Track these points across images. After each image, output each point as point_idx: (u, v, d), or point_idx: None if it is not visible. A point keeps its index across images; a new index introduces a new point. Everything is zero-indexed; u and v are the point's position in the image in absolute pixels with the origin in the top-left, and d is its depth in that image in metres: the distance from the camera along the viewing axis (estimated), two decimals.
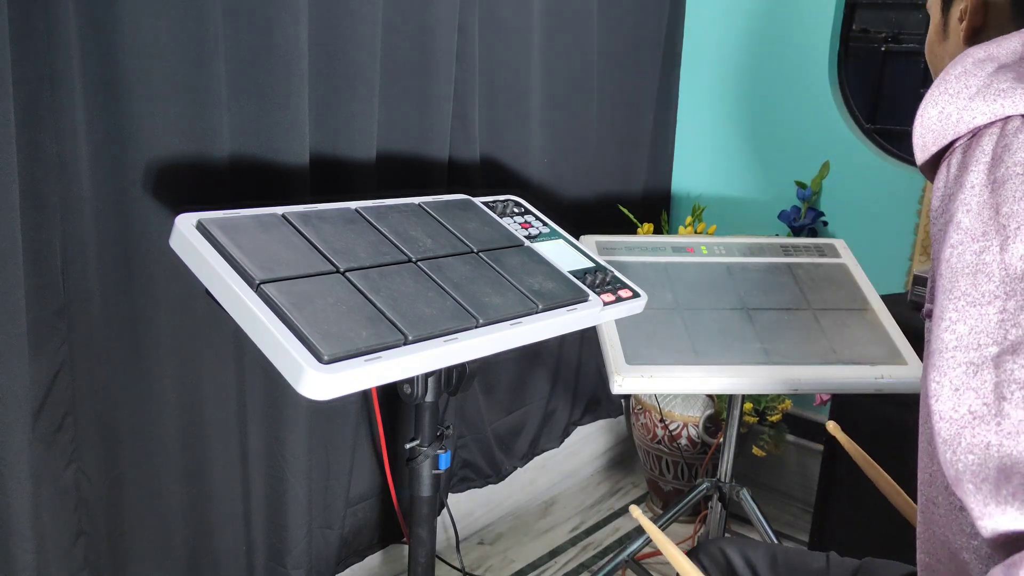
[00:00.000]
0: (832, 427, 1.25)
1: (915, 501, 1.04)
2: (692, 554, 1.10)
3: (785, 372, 1.41)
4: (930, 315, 0.66)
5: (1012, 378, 0.57)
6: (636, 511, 1.03)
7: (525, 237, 1.30)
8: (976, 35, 0.77)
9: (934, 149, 0.70)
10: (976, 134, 0.66)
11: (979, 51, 0.70)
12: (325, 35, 1.44)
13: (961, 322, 0.60)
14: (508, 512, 2.20)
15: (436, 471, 1.25)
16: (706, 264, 1.63)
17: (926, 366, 0.62)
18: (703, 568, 1.06)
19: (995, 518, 0.55)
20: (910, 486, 0.85)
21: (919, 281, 1.63)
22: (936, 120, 0.69)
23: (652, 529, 0.98)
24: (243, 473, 1.48)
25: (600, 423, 2.44)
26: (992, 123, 0.66)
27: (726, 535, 1.76)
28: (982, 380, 0.58)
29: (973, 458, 0.57)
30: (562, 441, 2.29)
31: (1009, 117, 0.65)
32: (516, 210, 1.40)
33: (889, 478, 1.14)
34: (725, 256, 1.66)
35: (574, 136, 2.08)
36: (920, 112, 0.70)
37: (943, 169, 0.67)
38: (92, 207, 1.20)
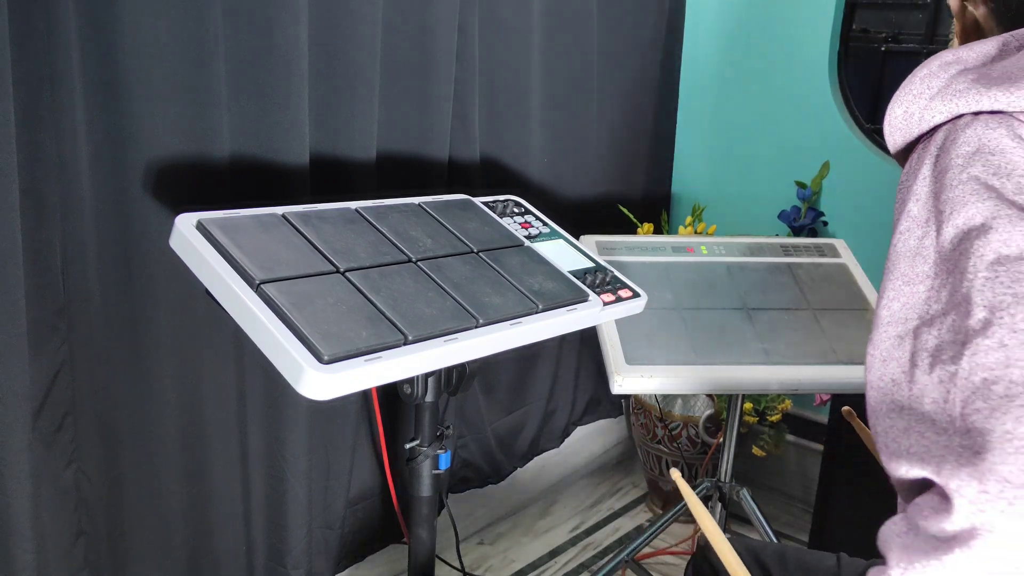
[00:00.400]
0: (847, 412, 1.26)
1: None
2: (700, 553, 1.10)
3: (785, 372, 1.41)
4: None
5: (924, 347, 0.63)
6: (676, 474, 1.06)
7: (525, 237, 1.30)
8: (968, 40, 0.83)
9: (902, 144, 0.76)
10: (935, 130, 0.72)
11: (948, 54, 0.75)
12: (325, 35, 1.44)
13: (896, 300, 0.66)
14: (508, 512, 2.20)
15: (436, 471, 1.25)
16: (706, 264, 1.63)
17: (868, 343, 0.68)
18: (711, 568, 1.06)
19: (893, 469, 0.62)
20: None
21: None
22: (901, 119, 0.75)
23: (691, 496, 1.00)
24: (243, 473, 1.48)
25: (600, 423, 2.44)
26: (949, 120, 0.71)
27: (726, 535, 1.76)
28: (903, 350, 0.64)
29: (889, 422, 0.63)
30: (562, 441, 2.29)
31: (962, 114, 0.70)
32: (516, 210, 1.40)
33: None
34: (725, 256, 1.66)
35: (574, 136, 2.08)
36: (888, 111, 0.75)
37: (907, 164, 0.74)
38: (92, 207, 1.20)
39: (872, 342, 0.67)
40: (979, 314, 0.60)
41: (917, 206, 0.69)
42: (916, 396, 0.62)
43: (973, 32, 0.83)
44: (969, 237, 0.63)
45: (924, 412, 0.61)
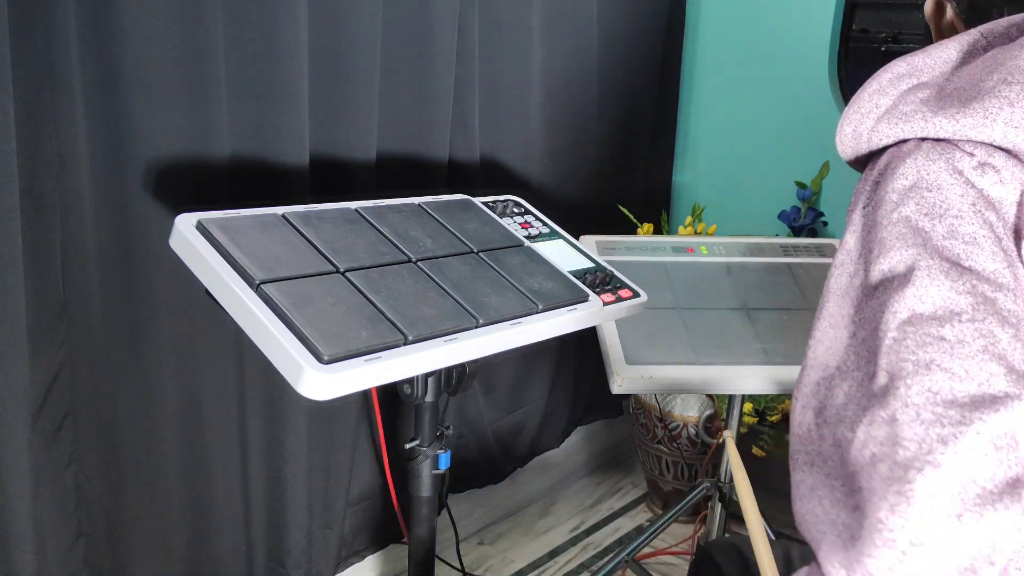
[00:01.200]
0: (727, 437, 1.25)
1: None
2: (706, 551, 1.10)
3: (785, 372, 1.41)
4: None
5: (834, 401, 0.58)
6: (728, 439, 1.04)
7: (525, 237, 1.30)
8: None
9: (852, 156, 0.72)
10: (884, 150, 0.68)
11: (900, 64, 0.70)
12: (325, 35, 1.44)
13: (821, 343, 0.62)
14: (508, 512, 2.20)
15: (436, 471, 1.25)
16: (706, 264, 1.63)
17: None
18: (717, 565, 1.06)
19: (798, 529, 0.59)
20: None
21: None
22: (850, 137, 0.71)
23: (738, 464, 0.99)
24: (243, 473, 1.48)
25: (600, 423, 2.44)
26: (895, 143, 0.67)
27: (726, 535, 1.75)
28: (818, 399, 0.60)
29: (800, 476, 0.59)
30: (562, 441, 2.29)
31: (907, 139, 0.65)
32: (516, 210, 1.40)
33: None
34: (725, 256, 1.65)
35: (574, 136, 2.08)
36: (839, 126, 0.71)
37: (859, 182, 0.70)
38: (92, 207, 1.20)
39: (797, 384, 0.63)
40: (881, 379, 0.55)
41: (853, 238, 0.65)
42: (823, 454, 0.57)
43: (950, 35, 0.77)
44: (890, 286, 0.58)
45: (826, 474, 0.56)
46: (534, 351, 2.07)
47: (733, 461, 0.99)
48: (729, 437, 1.03)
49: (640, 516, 2.26)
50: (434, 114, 1.67)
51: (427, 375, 1.17)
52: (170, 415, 1.35)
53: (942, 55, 0.69)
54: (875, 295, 0.59)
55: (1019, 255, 0.60)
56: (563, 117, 2.03)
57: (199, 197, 1.30)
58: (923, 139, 0.64)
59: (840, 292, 0.63)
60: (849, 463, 0.54)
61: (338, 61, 1.46)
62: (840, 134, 0.71)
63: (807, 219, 2.14)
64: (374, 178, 1.58)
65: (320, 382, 0.86)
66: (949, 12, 0.77)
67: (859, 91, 0.70)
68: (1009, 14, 0.71)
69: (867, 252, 0.62)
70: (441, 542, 1.85)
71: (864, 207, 0.66)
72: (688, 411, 2.15)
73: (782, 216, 2.17)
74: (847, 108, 0.71)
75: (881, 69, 0.70)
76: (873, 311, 0.59)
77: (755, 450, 2.08)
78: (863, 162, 0.72)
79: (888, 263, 0.60)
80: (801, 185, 2.16)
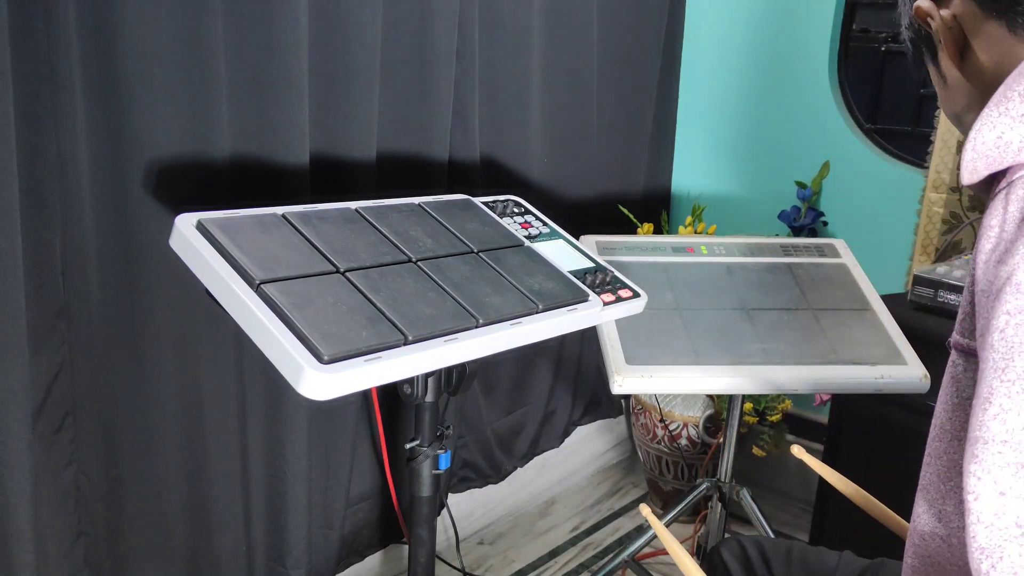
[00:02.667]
0: (797, 451, 1.25)
1: (899, 501, 1.03)
2: (714, 550, 1.11)
3: (785, 372, 1.41)
4: (961, 349, 0.61)
5: None
6: (646, 509, 1.04)
7: (525, 237, 1.30)
8: (964, 55, 0.67)
9: (985, 173, 0.59)
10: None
11: None
12: (325, 35, 1.44)
13: (1015, 412, 0.51)
14: (508, 512, 2.20)
15: (436, 471, 1.25)
16: (706, 264, 1.63)
17: (967, 453, 0.53)
18: (723, 563, 1.06)
19: None
20: (906, 487, 0.85)
21: (919, 281, 1.63)
22: (992, 146, 0.58)
23: (660, 528, 0.99)
24: (243, 473, 1.48)
25: (600, 423, 2.44)
26: None
27: (726, 535, 1.76)
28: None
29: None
30: (562, 441, 2.29)
31: None
32: (516, 210, 1.39)
33: (862, 492, 1.14)
34: (725, 256, 1.65)
35: (574, 136, 2.08)
36: (974, 134, 0.59)
37: (998, 205, 0.56)
38: (92, 207, 1.20)
39: (979, 459, 0.51)
40: None
41: None
42: None
43: (970, 36, 0.65)
44: None
45: None
46: (534, 351, 2.07)
47: (653, 524, 1.02)
48: (644, 506, 1.06)
49: (640, 516, 2.26)
50: (434, 114, 1.67)
51: (427, 375, 1.17)
52: (170, 415, 1.35)
53: None
54: None
55: None
56: (563, 117, 2.03)
57: (199, 197, 1.30)
58: None
59: None
60: None
61: (338, 61, 1.46)
62: (976, 143, 0.58)
63: (807, 219, 2.14)
64: (374, 178, 1.58)
65: (320, 382, 0.86)
66: (959, 10, 0.65)
67: (1001, 92, 0.58)
68: None
69: None
70: (441, 542, 1.85)
71: None
72: (688, 411, 2.15)
73: (782, 216, 2.17)
74: (987, 111, 0.58)
75: None
76: None
77: (755, 450, 2.09)
78: (988, 181, 0.60)
79: None
80: (801, 185, 2.16)
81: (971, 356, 0.59)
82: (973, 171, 0.59)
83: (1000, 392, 0.51)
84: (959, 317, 0.61)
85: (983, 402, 0.52)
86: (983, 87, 0.66)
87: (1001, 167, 0.58)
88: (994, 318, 0.52)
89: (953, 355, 0.62)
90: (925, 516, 0.63)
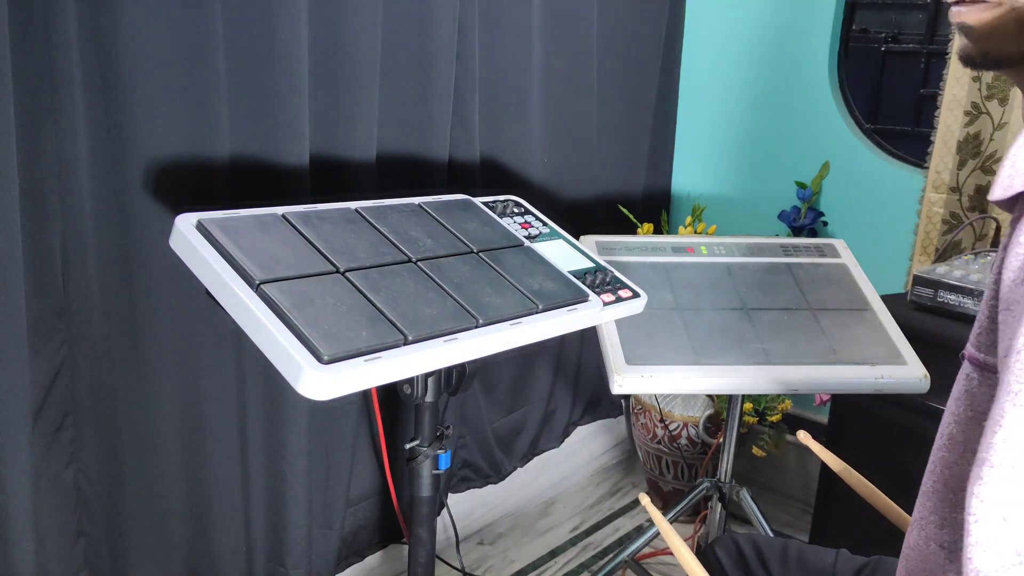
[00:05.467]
0: (803, 436, 1.25)
1: (898, 502, 1.03)
2: (708, 547, 1.11)
3: (785, 372, 1.41)
4: (977, 363, 0.59)
5: None
6: (645, 499, 1.04)
7: (525, 237, 1.30)
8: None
9: (1020, 190, 0.57)
10: None
11: None
12: (325, 35, 1.44)
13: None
14: (508, 512, 2.20)
15: (436, 471, 1.25)
16: (706, 264, 1.63)
17: (972, 474, 0.52)
18: (718, 560, 1.06)
19: None
20: (906, 487, 0.85)
21: (919, 281, 1.63)
22: None
23: (659, 519, 0.99)
24: (243, 473, 1.48)
25: (600, 423, 2.44)
26: None
27: (726, 535, 1.76)
28: None
29: None
30: (562, 441, 2.29)
31: None
32: (516, 210, 1.39)
33: (865, 481, 1.14)
34: (725, 256, 1.65)
35: (574, 136, 2.08)
36: (1015, 150, 0.56)
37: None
38: (92, 207, 1.20)
39: (986, 482, 0.50)
40: None
41: None
42: None
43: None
44: None
45: None
46: (534, 351, 2.07)
47: (652, 514, 1.02)
48: (643, 495, 1.07)
49: (640, 516, 2.26)
50: (434, 114, 1.67)
51: (427, 375, 1.17)
52: (170, 415, 1.35)
53: None
54: None
55: None
56: (563, 117, 2.03)
57: (199, 197, 1.30)
58: None
59: None
60: None
61: (338, 61, 1.46)
62: (1017, 161, 0.55)
63: (807, 219, 2.14)
64: (374, 178, 1.58)
65: (320, 382, 0.86)
66: None
67: None
68: None
69: None
70: (441, 542, 1.85)
71: None
72: (688, 411, 2.15)
73: (782, 216, 2.17)
74: None
75: None
76: None
77: (755, 450, 2.09)
78: (1015, 197, 0.58)
79: None
80: (801, 185, 2.16)
81: (987, 371, 0.58)
82: (1008, 187, 0.57)
83: (1013, 416, 0.50)
84: (975, 330, 0.60)
85: (994, 424, 0.51)
86: None
87: None
88: (1017, 338, 0.51)
89: (968, 368, 0.60)
90: (926, 519, 0.63)
